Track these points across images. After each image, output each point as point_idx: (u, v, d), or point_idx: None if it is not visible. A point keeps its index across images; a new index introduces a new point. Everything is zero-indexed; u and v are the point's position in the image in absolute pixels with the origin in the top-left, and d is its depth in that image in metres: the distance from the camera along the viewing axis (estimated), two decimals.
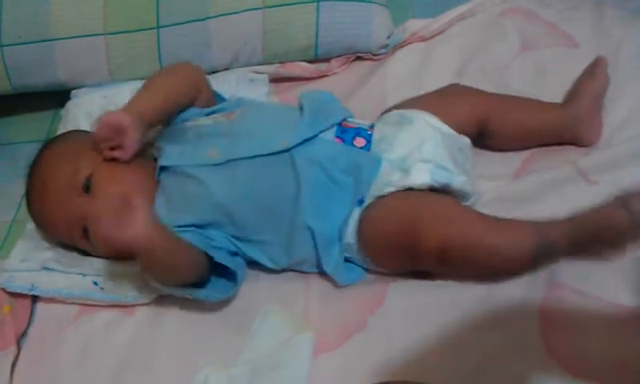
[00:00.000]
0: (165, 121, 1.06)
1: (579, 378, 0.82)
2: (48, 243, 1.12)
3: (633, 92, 1.09)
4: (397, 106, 1.08)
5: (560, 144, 1.07)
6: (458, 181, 0.97)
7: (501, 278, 0.91)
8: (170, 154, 1.03)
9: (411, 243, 0.91)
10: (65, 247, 1.11)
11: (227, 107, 1.12)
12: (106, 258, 1.07)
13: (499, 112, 1.06)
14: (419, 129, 1.00)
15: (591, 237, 0.87)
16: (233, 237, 1.00)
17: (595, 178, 0.99)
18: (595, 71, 1.07)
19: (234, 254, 1.01)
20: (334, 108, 1.06)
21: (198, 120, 1.09)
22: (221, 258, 0.97)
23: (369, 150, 1.01)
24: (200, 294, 0.97)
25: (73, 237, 1.04)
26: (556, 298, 0.89)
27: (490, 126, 1.06)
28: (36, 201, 1.07)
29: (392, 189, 0.96)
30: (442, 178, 0.96)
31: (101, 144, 1.00)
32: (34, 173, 1.08)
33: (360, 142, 1.02)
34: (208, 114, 1.10)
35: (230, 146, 1.00)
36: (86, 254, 1.09)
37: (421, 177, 0.95)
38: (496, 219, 0.92)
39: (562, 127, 1.05)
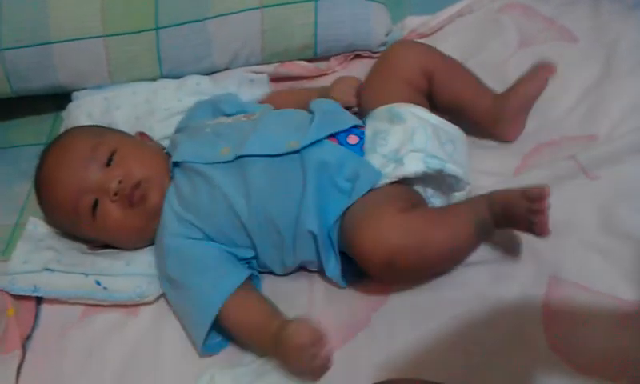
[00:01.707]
0: None
1: (581, 373, 0.82)
2: (45, 225, 1.14)
3: (632, 86, 1.09)
4: (367, 95, 1.10)
5: (483, 129, 1.10)
6: (449, 167, 0.97)
7: (454, 265, 0.95)
8: (184, 150, 1.05)
9: (362, 256, 0.92)
10: (61, 235, 1.13)
11: (250, 109, 1.13)
12: (99, 243, 1.10)
13: (443, 72, 1.08)
14: (410, 123, 1.00)
15: (502, 214, 0.91)
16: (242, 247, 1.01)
17: (595, 172, 1.00)
18: (537, 74, 1.08)
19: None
20: (343, 116, 1.06)
21: (219, 119, 1.11)
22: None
23: (362, 146, 1.01)
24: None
25: (79, 209, 1.04)
26: (558, 294, 0.89)
27: (432, 84, 1.08)
28: (51, 165, 1.07)
29: (386, 180, 0.96)
30: (434, 165, 0.96)
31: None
32: (57, 140, 1.12)
33: (353, 139, 1.02)
34: (230, 115, 1.12)
35: (240, 144, 1.01)
36: (77, 240, 1.12)
37: (414, 165, 0.96)
38: (436, 213, 0.97)
39: (486, 115, 1.08)
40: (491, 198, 0.93)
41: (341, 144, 1.01)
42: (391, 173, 0.96)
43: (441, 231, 0.92)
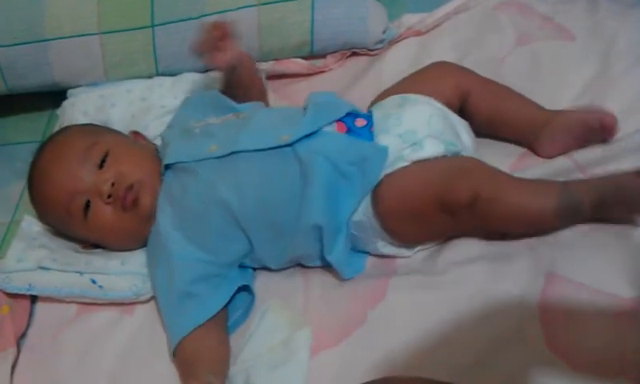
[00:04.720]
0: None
1: (579, 371, 0.82)
2: (39, 223, 1.14)
3: (629, 85, 1.09)
4: (388, 91, 1.09)
5: (522, 142, 1.08)
6: (465, 153, 0.98)
7: (528, 233, 0.94)
8: (174, 152, 1.04)
9: (443, 195, 0.91)
10: (56, 234, 1.13)
11: (240, 108, 1.13)
12: (91, 243, 1.10)
13: (480, 88, 1.07)
14: (423, 107, 1.01)
15: (615, 196, 0.89)
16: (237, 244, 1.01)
17: (592, 171, 1.00)
18: (594, 111, 1.04)
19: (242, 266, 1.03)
20: (337, 104, 1.05)
21: (207, 120, 1.10)
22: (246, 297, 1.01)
23: (371, 127, 1.01)
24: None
25: (70, 210, 1.03)
26: (555, 291, 0.89)
27: (469, 102, 1.07)
28: (44, 164, 1.06)
29: (405, 163, 0.96)
30: (453, 149, 0.97)
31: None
32: (51, 138, 1.12)
33: (361, 122, 1.02)
34: (219, 116, 1.11)
35: (230, 139, 1.00)
36: (70, 239, 1.12)
37: (434, 149, 0.96)
38: (521, 178, 0.95)
39: (529, 126, 1.05)
40: (602, 181, 0.91)
41: (349, 128, 1.01)
42: (409, 155, 0.96)
43: (521, 190, 0.92)
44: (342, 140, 0.99)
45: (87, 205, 1.03)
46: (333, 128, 1.00)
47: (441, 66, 1.11)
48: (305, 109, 1.05)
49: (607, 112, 1.03)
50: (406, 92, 1.06)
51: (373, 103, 1.10)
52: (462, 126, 1.04)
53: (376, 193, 0.97)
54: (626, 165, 0.98)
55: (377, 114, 1.03)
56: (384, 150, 0.97)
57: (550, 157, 1.05)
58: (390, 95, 1.07)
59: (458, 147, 0.98)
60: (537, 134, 1.05)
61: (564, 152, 1.05)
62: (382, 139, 0.99)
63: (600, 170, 0.99)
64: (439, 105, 1.03)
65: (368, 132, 1.00)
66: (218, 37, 1.06)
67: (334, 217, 0.96)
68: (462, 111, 1.08)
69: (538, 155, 1.07)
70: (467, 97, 1.07)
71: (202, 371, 0.91)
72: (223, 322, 0.98)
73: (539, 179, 0.96)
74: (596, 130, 1.02)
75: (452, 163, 0.96)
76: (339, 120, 1.01)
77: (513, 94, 1.08)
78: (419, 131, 0.98)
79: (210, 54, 1.08)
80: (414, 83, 1.09)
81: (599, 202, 0.90)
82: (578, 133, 1.03)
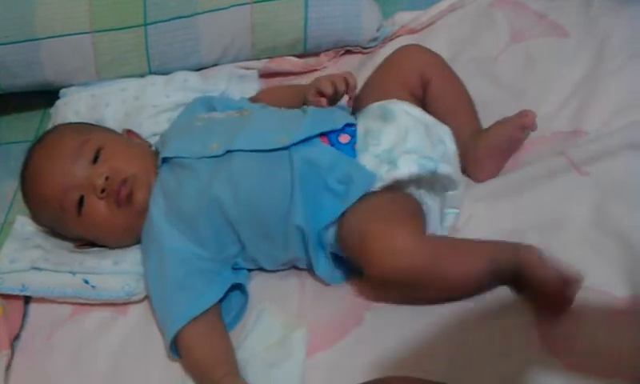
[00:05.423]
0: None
1: (574, 370, 0.82)
2: (33, 223, 1.13)
3: (622, 82, 1.09)
4: (364, 89, 1.10)
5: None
6: (442, 168, 0.95)
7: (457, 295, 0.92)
8: (173, 147, 1.04)
9: (368, 271, 0.90)
10: (49, 234, 1.13)
11: (244, 105, 1.13)
12: (85, 241, 1.10)
13: (439, 83, 1.07)
14: (402, 122, 0.99)
15: (529, 286, 0.88)
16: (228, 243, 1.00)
17: (586, 168, 1.00)
18: (514, 121, 1.02)
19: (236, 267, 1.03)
20: (336, 114, 1.04)
21: (211, 114, 1.11)
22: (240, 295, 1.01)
23: (354, 144, 0.99)
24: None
25: (64, 206, 1.03)
26: None
27: (428, 91, 1.07)
28: (37, 162, 1.06)
29: (381, 183, 0.95)
30: (428, 166, 0.94)
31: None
32: (43, 137, 1.11)
33: (344, 138, 1.00)
34: (223, 110, 1.12)
35: (230, 139, 1.00)
36: (64, 238, 1.11)
37: (408, 168, 0.94)
38: (452, 245, 0.93)
39: (461, 148, 1.02)
40: (521, 257, 0.88)
41: (332, 143, 0.99)
42: (385, 175, 0.94)
43: (454, 265, 0.89)
44: (333, 154, 0.97)
45: (81, 200, 1.03)
46: (318, 141, 0.99)
47: (406, 53, 1.11)
48: (304, 112, 1.05)
49: (522, 113, 1.02)
50: (379, 87, 1.07)
51: (355, 106, 1.09)
52: (445, 133, 1.00)
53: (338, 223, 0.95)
54: (618, 160, 0.98)
55: (359, 128, 1.01)
56: (371, 177, 0.94)
57: (482, 180, 1.05)
58: (368, 98, 1.06)
59: (435, 163, 0.95)
60: (465, 158, 1.03)
61: (498, 172, 1.05)
62: (362, 158, 0.97)
63: (594, 167, 0.99)
64: (418, 113, 1.01)
65: (351, 149, 0.99)
66: (343, 91, 1.05)
67: (314, 225, 0.95)
68: (424, 96, 1.07)
69: (475, 181, 1.05)
70: (427, 86, 1.07)
71: (220, 371, 0.91)
72: (221, 320, 0.98)
73: (466, 244, 0.93)
74: (521, 136, 1.03)
75: (395, 234, 0.89)
76: (323, 134, 0.99)
77: (460, 106, 1.07)
78: (395, 149, 0.96)
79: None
80: (385, 77, 1.09)
81: (517, 276, 0.89)
82: (504, 148, 1.04)
